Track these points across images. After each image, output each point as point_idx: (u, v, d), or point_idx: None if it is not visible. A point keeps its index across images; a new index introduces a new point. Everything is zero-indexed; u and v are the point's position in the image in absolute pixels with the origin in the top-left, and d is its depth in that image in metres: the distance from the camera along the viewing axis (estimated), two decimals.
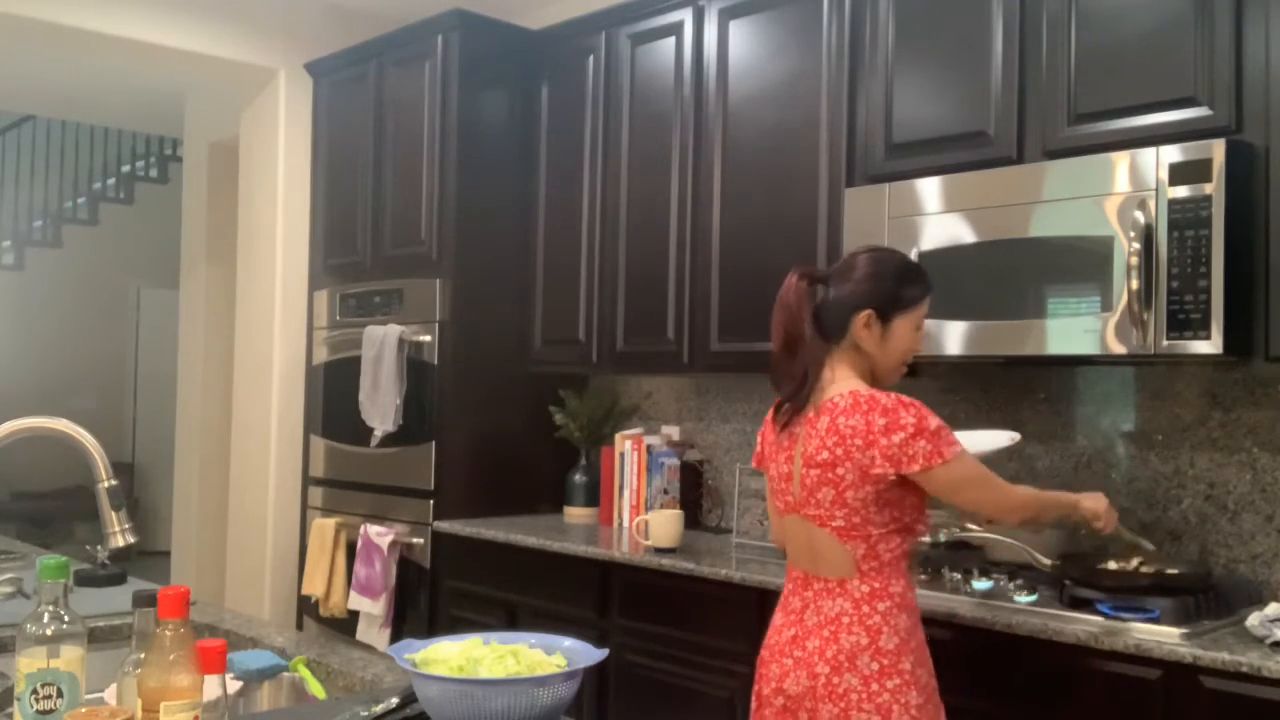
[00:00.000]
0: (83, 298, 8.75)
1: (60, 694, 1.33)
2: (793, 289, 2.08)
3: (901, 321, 2.11)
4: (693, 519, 3.53)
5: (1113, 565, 2.39)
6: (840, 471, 2.01)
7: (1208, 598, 2.26)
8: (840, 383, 2.08)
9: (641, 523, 3.25)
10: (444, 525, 3.71)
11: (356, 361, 4.04)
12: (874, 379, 2.13)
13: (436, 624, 3.70)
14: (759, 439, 2.27)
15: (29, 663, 1.33)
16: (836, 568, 2.04)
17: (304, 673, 1.80)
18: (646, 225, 3.55)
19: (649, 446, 3.63)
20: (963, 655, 2.33)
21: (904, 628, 2.02)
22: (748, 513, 3.39)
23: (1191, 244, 2.26)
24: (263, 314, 4.58)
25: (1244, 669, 1.97)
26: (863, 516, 2.01)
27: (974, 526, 2.68)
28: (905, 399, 2.01)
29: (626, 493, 3.66)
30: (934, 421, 1.99)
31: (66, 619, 1.35)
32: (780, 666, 2.07)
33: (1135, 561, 2.41)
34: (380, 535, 3.82)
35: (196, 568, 5.44)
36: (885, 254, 2.17)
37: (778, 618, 2.15)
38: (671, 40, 3.51)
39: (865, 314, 2.08)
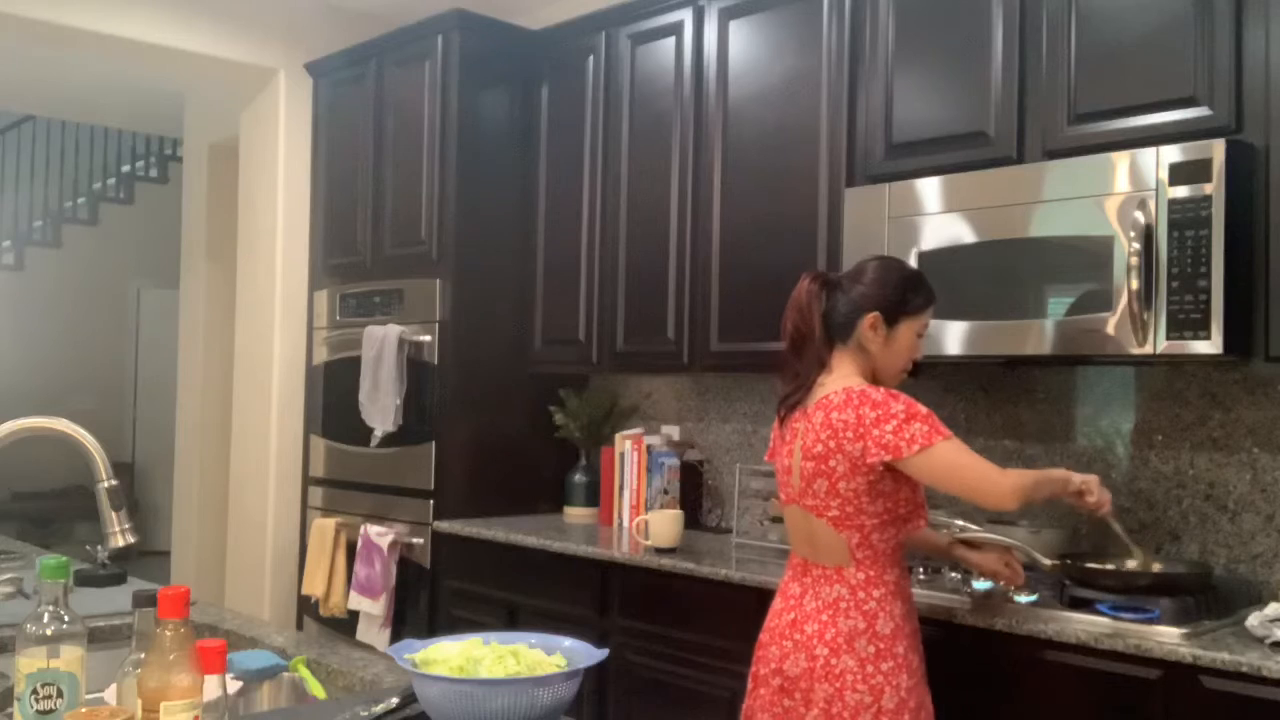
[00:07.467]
0: (83, 298, 8.74)
1: (60, 694, 1.33)
2: (805, 290, 2.23)
3: (905, 326, 2.23)
4: (693, 519, 3.53)
5: (1112, 565, 2.39)
6: (832, 463, 2.12)
7: (1208, 598, 2.26)
8: (838, 380, 2.19)
9: (641, 523, 3.24)
10: (444, 525, 3.71)
11: (356, 361, 4.04)
12: (875, 381, 2.22)
13: (436, 624, 3.70)
14: (772, 432, 2.38)
15: (29, 663, 1.33)
16: (833, 556, 2.15)
17: (304, 673, 1.80)
18: (646, 225, 3.55)
19: (649, 446, 3.63)
20: (963, 655, 2.33)
21: (899, 614, 2.13)
22: (747, 513, 3.39)
23: (1191, 244, 2.26)
24: (263, 314, 4.58)
25: (1244, 669, 1.97)
26: (855, 506, 2.11)
27: (974, 527, 2.68)
28: (896, 393, 2.13)
29: (626, 493, 3.66)
30: (924, 409, 2.10)
31: (66, 619, 1.35)
32: (780, 649, 2.18)
33: (1133, 561, 2.41)
34: (380, 535, 3.82)
35: (196, 568, 5.44)
36: (894, 262, 2.32)
37: (777, 602, 2.27)
38: (671, 40, 3.51)
39: (872, 316, 2.20)
